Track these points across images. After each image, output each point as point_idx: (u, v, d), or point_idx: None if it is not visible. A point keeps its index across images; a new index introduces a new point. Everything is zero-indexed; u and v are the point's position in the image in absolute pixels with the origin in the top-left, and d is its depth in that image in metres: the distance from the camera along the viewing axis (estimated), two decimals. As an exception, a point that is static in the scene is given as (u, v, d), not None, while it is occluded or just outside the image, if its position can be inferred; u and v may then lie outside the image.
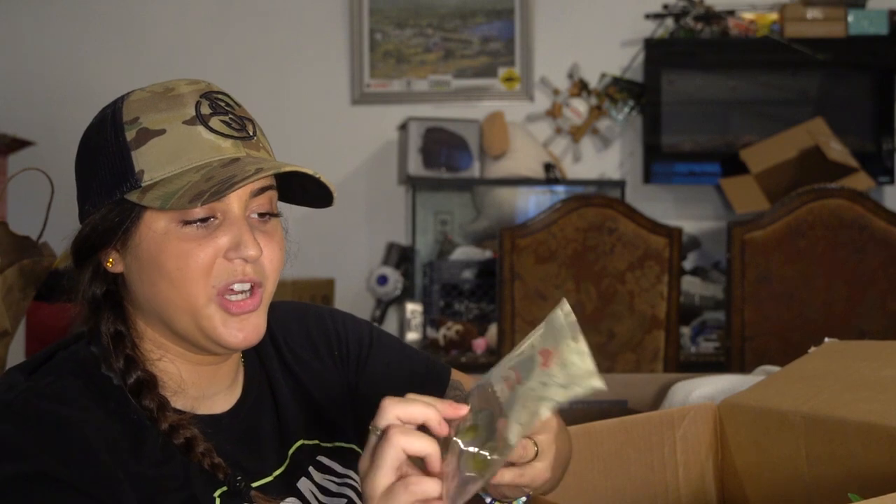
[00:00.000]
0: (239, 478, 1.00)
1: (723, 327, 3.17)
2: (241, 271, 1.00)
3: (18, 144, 3.27)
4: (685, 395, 1.77)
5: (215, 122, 1.01)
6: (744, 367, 2.60)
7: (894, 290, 2.71)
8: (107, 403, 1.00)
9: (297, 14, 4.20)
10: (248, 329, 1.02)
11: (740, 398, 1.35)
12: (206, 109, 1.01)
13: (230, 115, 1.03)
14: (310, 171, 1.02)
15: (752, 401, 1.33)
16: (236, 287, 1.01)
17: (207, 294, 1.00)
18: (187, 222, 0.99)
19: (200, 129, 1.00)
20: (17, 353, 1.38)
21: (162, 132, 0.99)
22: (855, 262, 2.70)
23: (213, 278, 1.00)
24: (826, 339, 1.42)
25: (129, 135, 1.00)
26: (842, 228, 2.70)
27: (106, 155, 1.01)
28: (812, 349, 1.41)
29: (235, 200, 1.01)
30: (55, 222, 1.45)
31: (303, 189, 1.06)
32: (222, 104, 1.03)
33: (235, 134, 1.02)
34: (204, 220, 1.00)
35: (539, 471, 0.94)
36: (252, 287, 1.02)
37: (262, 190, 1.03)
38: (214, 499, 1.00)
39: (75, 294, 1.06)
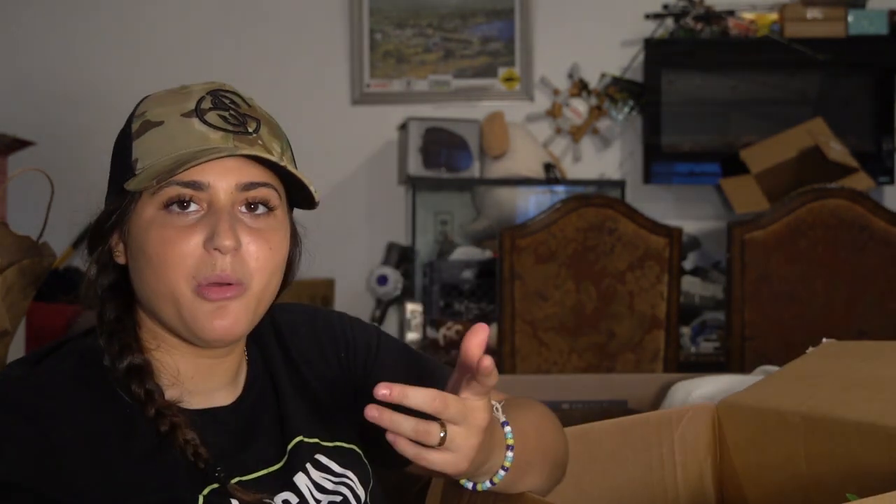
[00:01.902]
0: (218, 468, 1.00)
1: (723, 327, 3.17)
2: (219, 266, 0.99)
3: (18, 144, 3.28)
4: (685, 395, 1.77)
5: (211, 116, 1.02)
6: (744, 367, 2.60)
7: (894, 290, 2.71)
8: (100, 395, 1.01)
9: (297, 14, 4.20)
10: (226, 318, 1.01)
11: (739, 398, 1.35)
12: (206, 104, 1.03)
13: (231, 112, 1.03)
14: (273, 158, 1.01)
15: (750, 401, 1.33)
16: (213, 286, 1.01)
17: (187, 283, 1.00)
18: (166, 206, 1.00)
19: (194, 121, 1.01)
20: (16, 353, 1.38)
21: (160, 124, 1.02)
22: (855, 262, 2.70)
23: (192, 268, 1.00)
24: (824, 340, 1.42)
25: (134, 126, 1.03)
26: (842, 228, 2.70)
27: (118, 149, 1.05)
28: (810, 349, 1.41)
29: (222, 192, 1.01)
30: (55, 222, 1.45)
31: (298, 189, 1.06)
32: (227, 101, 1.04)
33: (229, 128, 1.02)
34: (182, 203, 1.00)
35: (444, 461, 0.91)
36: (233, 286, 1.01)
37: (254, 186, 1.02)
38: (198, 498, 1.00)
39: (84, 286, 1.07)
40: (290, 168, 1.02)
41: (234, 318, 1.01)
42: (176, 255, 0.99)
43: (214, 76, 3.80)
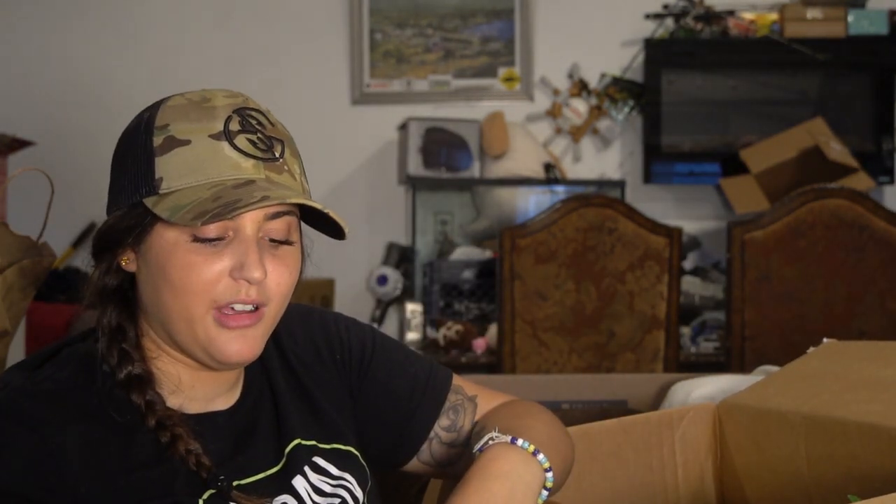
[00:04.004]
0: (221, 477, 1.01)
1: (723, 327, 3.17)
2: (244, 292, 1.01)
3: (18, 144, 3.28)
4: (685, 395, 1.76)
5: (241, 140, 1.01)
6: (744, 367, 2.60)
7: (894, 290, 2.71)
8: (99, 402, 1.01)
9: (297, 14, 4.20)
10: (243, 343, 1.02)
11: (739, 398, 1.35)
12: (234, 126, 1.01)
13: (259, 135, 1.02)
14: (318, 206, 1.01)
15: (751, 401, 1.32)
16: (237, 307, 1.01)
17: (206, 307, 1.00)
18: (197, 238, 0.99)
19: (224, 145, 1.00)
20: (17, 353, 1.38)
21: (187, 143, 1.00)
22: (855, 262, 2.70)
23: (216, 294, 1.00)
24: (825, 340, 1.42)
25: (157, 140, 1.01)
26: (842, 228, 2.70)
27: (134, 157, 1.02)
28: (811, 349, 1.41)
29: (249, 222, 1.01)
30: (55, 222, 1.45)
31: (320, 217, 1.05)
32: (254, 122, 1.03)
33: (259, 154, 1.01)
34: (213, 239, 1.00)
35: None
36: (254, 308, 1.02)
37: (279, 215, 1.02)
38: (198, 503, 1.00)
39: (87, 285, 1.06)
40: (332, 214, 1.02)
41: (252, 343, 1.03)
42: (200, 281, 0.99)
43: (215, 76, 3.80)
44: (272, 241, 1.03)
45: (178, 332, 1.02)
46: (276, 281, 1.03)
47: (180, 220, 0.97)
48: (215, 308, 1.01)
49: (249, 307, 1.02)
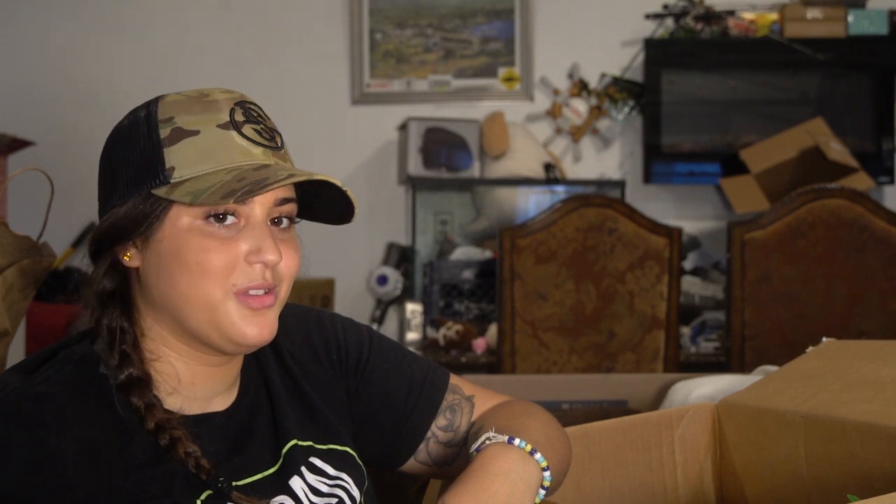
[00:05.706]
0: (221, 479, 1.01)
1: (723, 327, 3.17)
2: (260, 275, 1.03)
3: (18, 144, 3.28)
4: (685, 395, 1.77)
5: (248, 130, 1.04)
6: (744, 367, 2.60)
7: (894, 290, 2.71)
8: (97, 404, 1.01)
9: (297, 14, 4.20)
10: (263, 325, 1.03)
11: (739, 398, 1.35)
12: (239, 116, 1.04)
13: (262, 126, 1.06)
14: (338, 183, 1.03)
15: (750, 400, 1.32)
16: (252, 293, 1.03)
17: (225, 290, 1.02)
18: (210, 217, 1.01)
19: (233, 133, 1.03)
20: (17, 353, 1.39)
21: (196, 133, 1.02)
22: (855, 262, 2.70)
23: (233, 278, 1.02)
24: (824, 339, 1.42)
25: (163, 132, 1.02)
26: (842, 228, 2.70)
27: (137, 151, 1.03)
28: (810, 349, 1.41)
29: (259, 206, 1.03)
30: (55, 222, 1.45)
31: (321, 204, 1.08)
32: (254, 114, 1.06)
33: (266, 143, 1.05)
34: (225, 217, 1.01)
35: None
36: (268, 290, 1.04)
37: (286, 200, 1.05)
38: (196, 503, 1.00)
39: (86, 287, 1.07)
40: (349, 193, 1.04)
41: (269, 324, 1.04)
42: (217, 264, 1.01)
43: (215, 76, 3.80)
44: (278, 224, 1.06)
45: (195, 319, 1.03)
46: (288, 263, 1.05)
47: (207, 202, 0.98)
48: (235, 292, 1.02)
49: (262, 292, 1.03)
